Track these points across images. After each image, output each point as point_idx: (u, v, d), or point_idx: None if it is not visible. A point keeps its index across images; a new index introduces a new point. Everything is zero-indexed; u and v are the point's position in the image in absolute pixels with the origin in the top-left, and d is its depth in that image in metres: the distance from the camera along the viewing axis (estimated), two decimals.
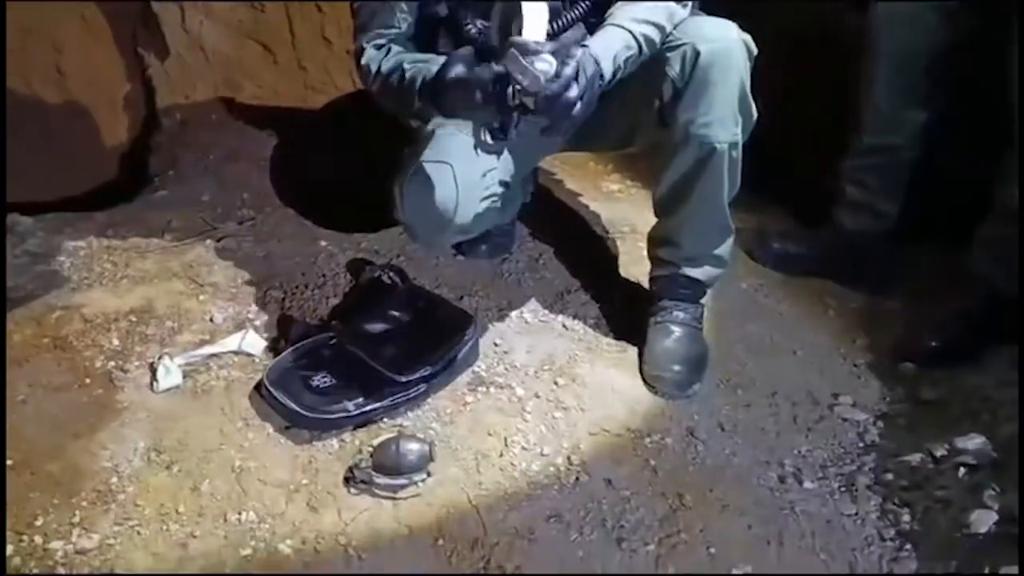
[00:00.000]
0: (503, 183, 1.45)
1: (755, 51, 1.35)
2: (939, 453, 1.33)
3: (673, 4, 1.33)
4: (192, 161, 2.07)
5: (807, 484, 1.31)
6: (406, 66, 1.34)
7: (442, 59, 1.28)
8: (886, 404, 1.50)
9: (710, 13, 1.41)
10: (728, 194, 1.44)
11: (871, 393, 1.52)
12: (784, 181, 1.96)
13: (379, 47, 1.39)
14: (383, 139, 1.61)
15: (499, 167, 1.42)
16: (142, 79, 2.28)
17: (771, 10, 1.83)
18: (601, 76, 1.23)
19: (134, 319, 1.54)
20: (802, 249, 1.82)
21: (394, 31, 1.40)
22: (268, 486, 1.25)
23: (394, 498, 1.23)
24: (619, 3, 1.33)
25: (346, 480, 1.25)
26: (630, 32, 1.28)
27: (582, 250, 1.85)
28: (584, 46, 1.23)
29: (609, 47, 1.26)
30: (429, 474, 1.25)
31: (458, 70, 1.22)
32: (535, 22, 1.18)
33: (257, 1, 2.20)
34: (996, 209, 1.54)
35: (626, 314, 1.63)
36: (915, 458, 1.34)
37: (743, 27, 1.36)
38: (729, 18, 1.38)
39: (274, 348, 1.49)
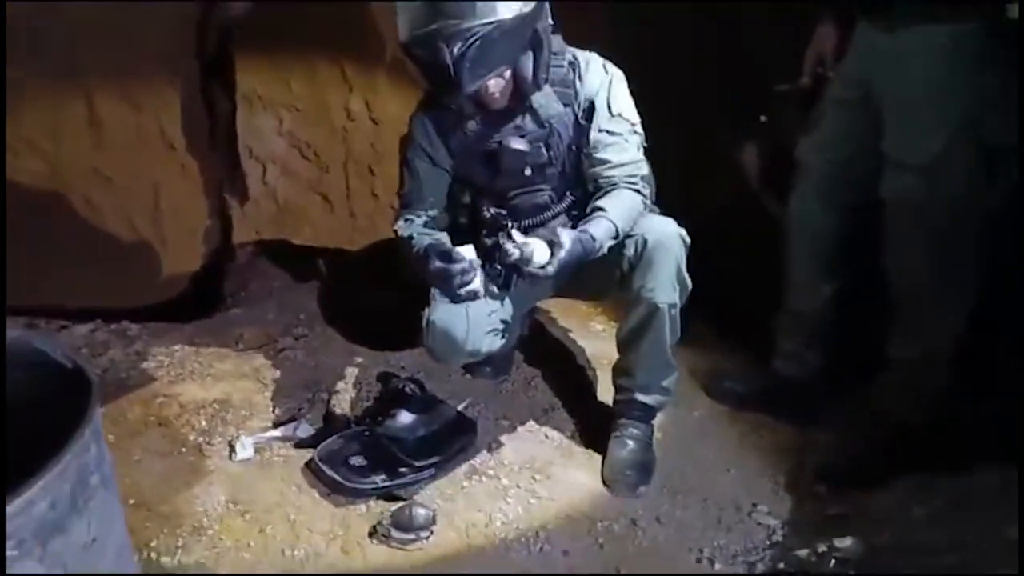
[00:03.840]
0: (504, 320, 2.13)
1: (688, 241, 2.01)
2: (820, 549, 1.89)
3: (642, 202, 2.01)
4: (259, 287, 2.81)
5: (717, 566, 1.87)
6: (415, 236, 2.05)
7: (439, 235, 2.05)
8: (795, 513, 2.06)
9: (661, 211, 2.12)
10: (670, 340, 2.06)
11: (784, 505, 2.08)
12: (738, 329, 2.62)
13: (406, 219, 2.10)
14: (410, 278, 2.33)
15: (501, 308, 2.11)
16: (221, 218, 3.04)
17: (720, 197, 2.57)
18: (592, 252, 1.91)
19: (217, 407, 2.20)
20: (747, 388, 2.44)
21: (424, 210, 2.11)
22: (314, 533, 1.85)
23: (405, 549, 1.82)
24: (605, 196, 2.00)
25: (370, 534, 1.85)
26: (615, 225, 1.95)
27: (567, 376, 2.49)
28: (583, 231, 1.90)
29: (599, 233, 1.92)
30: (432, 533, 1.85)
31: (435, 264, 1.86)
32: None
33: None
34: (889, 360, 2.15)
35: (596, 429, 2.24)
36: (803, 552, 1.90)
37: (696, 214, 2.06)
38: (686, 206, 2.08)
39: (321, 436, 2.12)
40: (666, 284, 1.99)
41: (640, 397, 2.13)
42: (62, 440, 1.20)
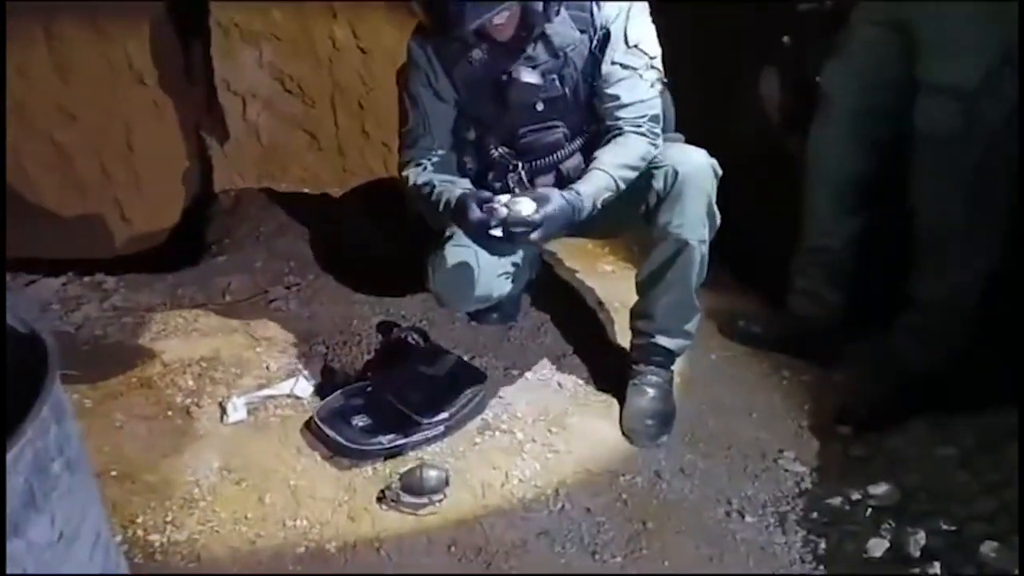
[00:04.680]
0: (514, 263, 1.89)
1: (720, 172, 1.78)
2: (854, 497, 1.72)
3: (648, 147, 1.75)
4: (245, 233, 2.52)
5: (748, 519, 1.68)
6: (435, 184, 1.78)
7: (463, 182, 1.77)
8: (822, 459, 1.89)
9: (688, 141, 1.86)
10: (696, 281, 1.85)
11: (811, 451, 1.90)
12: (753, 271, 2.40)
13: (417, 163, 1.83)
14: (408, 220, 2.06)
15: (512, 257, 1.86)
16: (201, 159, 2.74)
17: (737, 134, 2.31)
18: (581, 211, 1.66)
19: (204, 365, 1.96)
20: (763, 329, 2.23)
21: (434, 150, 1.83)
22: (317, 500, 1.63)
23: (416, 514, 1.61)
24: (607, 144, 1.75)
25: (379, 499, 1.64)
26: (612, 177, 1.70)
27: (578, 321, 2.26)
28: (572, 190, 1.66)
29: (590, 190, 1.68)
30: (445, 496, 1.64)
31: (476, 215, 1.62)
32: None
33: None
34: (913, 301, 1.95)
35: (611, 376, 2.03)
36: (835, 501, 1.72)
37: (712, 153, 1.81)
38: (702, 145, 1.83)
39: (320, 392, 1.89)
40: (696, 219, 1.77)
41: (661, 341, 1.92)
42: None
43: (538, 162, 1.83)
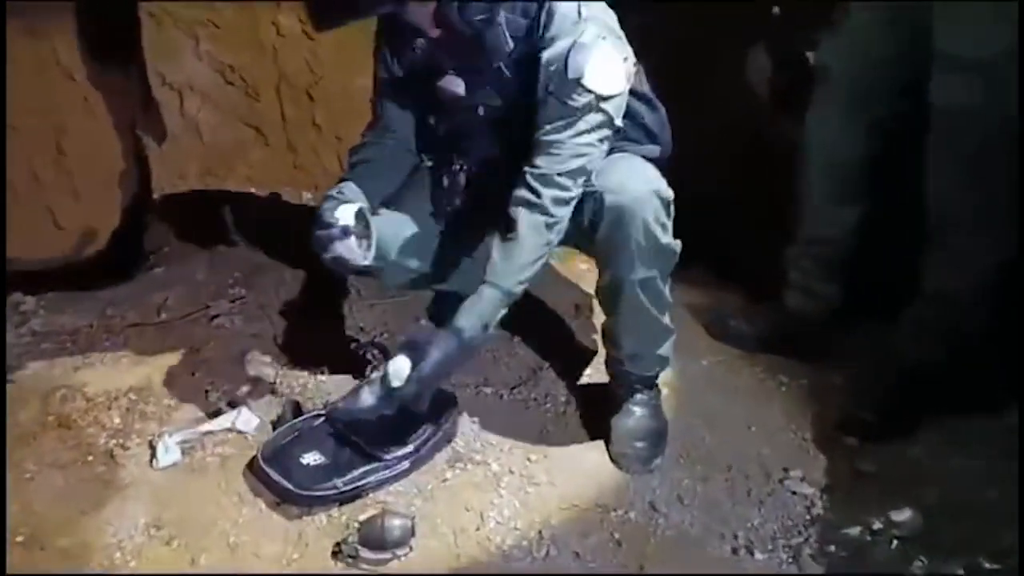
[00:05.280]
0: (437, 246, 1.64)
1: (668, 197, 1.46)
2: (875, 526, 1.48)
3: (542, 234, 1.41)
4: (186, 241, 2.21)
5: (758, 555, 1.44)
6: (346, 175, 1.56)
7: (372, 182, 1.55)
8: (830, 477, 1.64)
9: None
10: (657, 310, 1.55)
11: (817, 466, 1.66)
12: (741, 265, 2.14)
13: (359, 146, 1.59)
14: None
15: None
16: (137, 160, 2.42)
17: (717, 111, 2.05)
18: (470, 345, 1.43)
19: (134, 397, 1.66)
20: (755, 328, 1.98)
21: (383, 131, 1.59)
22: (262, 560, 1.36)
23: (379, 572, 1.35)
24: (497, 244, 1.44)
25: (334, 554, 1.37)
26: (501, 290, 1.43)
27: (554, 328, 1.99)
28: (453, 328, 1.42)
29: (474, 321, 1.42)
30: (411, 548, 1.37)
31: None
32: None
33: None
34: (921, 294, 1.72)
35: (595, 389, 1.77)
36: (854, 531, 1.48)
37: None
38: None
39: (267, 425, 1.61)
40: (631, 257, 1.47)
41: (633, 369, 1.64)
42: None
43: (481, 167, 1.56)
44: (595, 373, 1.83)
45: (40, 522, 1.38)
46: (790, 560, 1.44)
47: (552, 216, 1.42)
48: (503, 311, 1.45)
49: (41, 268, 2.15)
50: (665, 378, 1.73)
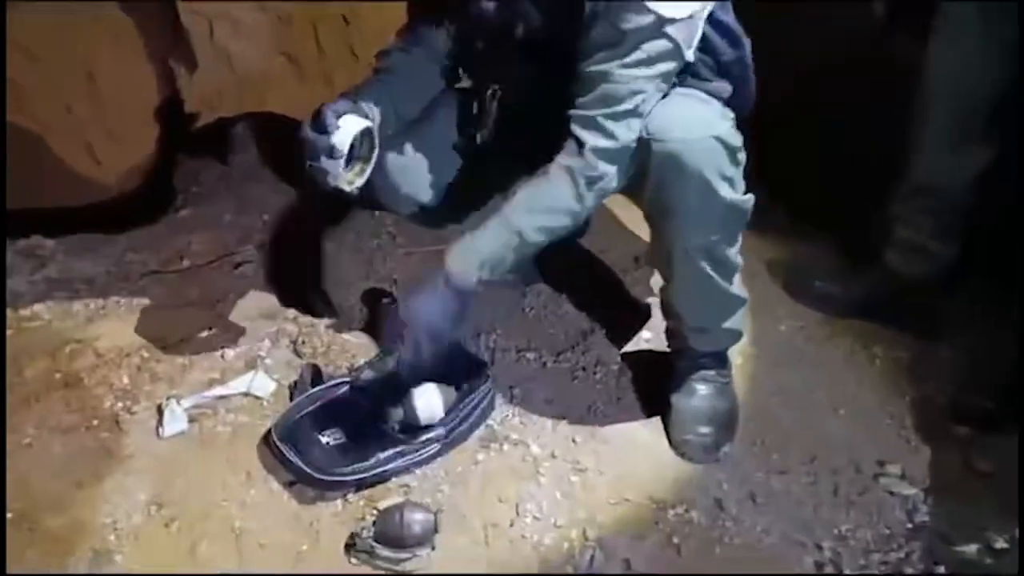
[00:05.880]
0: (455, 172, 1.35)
1: (736, 144, 1.13)
2: (998, 545, 1.18)
3: (570, 189, 1.10)
4: (215, 179, 1.98)
5: (847, 573, 1.17)
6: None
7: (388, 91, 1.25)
8: (937, 476, 1.34)
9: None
10: (722, 279, 1.25)
11: (921, 462, 1.35)
12: (829, 215, 1.79)
13: (382, 53, 1.30)
14: None
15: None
16: (168, 92, 2.20)
17: (813, 28, 1.66)
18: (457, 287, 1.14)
19: (146, 354, 1.47)
20: (846, 290, 1.65)
21: (411, 44, 1.29)
22: (267, 551, 1.16)
23: (396, 571, 1.14)
24: (526, 180, 1.14)
25: (347, 548, 1.16)
26: (516, 231, 1.11)
27: (608, 283, 1.71)
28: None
29: (474, 253, 1.13)
30: (433, 547, 1.15)
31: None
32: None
33: None
34: None
35: (654, 360, 1.50)
36: (971, 549, 1.19)
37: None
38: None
39: (284, 392, 1.40)
40: (688, 222, 1.16)
41: (696, 344, 1.36)
42: None
43: (516, 96, 1.25)
44: (655, 337, 1.55)
45: (32, 497, 1.21)
46: None
47: (592, 169, 1.10)
48: (511, 257, 1.14)
49: (68, 207, 2.00)
50: (735, 346, 1.44)
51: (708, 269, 1.21)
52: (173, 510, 1.21)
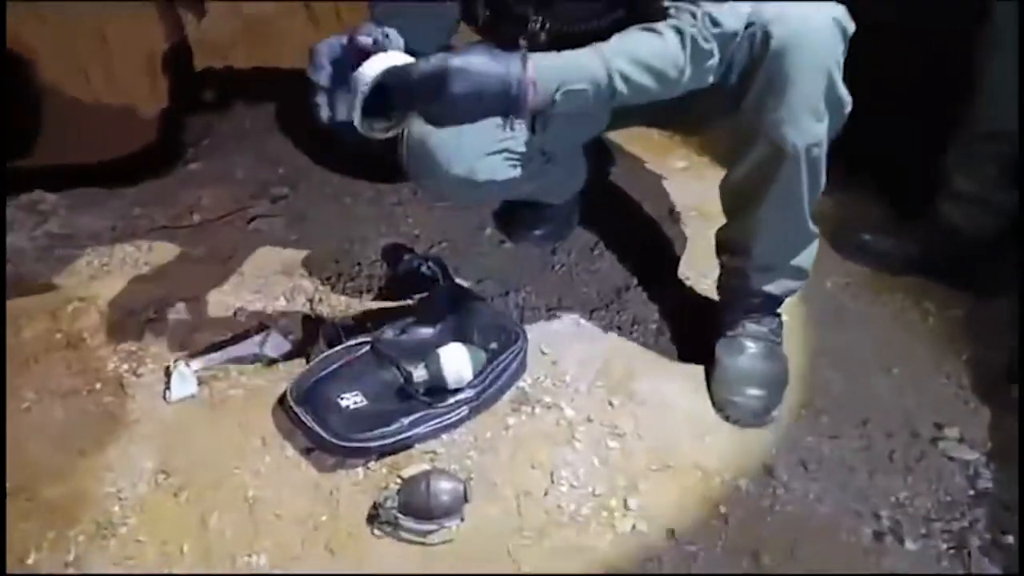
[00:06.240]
0: (531, 145, 1.20)
1: (851, 28, 1.04)
2: None
3: (676, 50, 0.98)
4: (228, 132, 1.85)
5: (908, 544, 1.05)
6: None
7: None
8: (998, 439, 1.21)
9: None
10: (808, 198, 1.15)
11: (980, 424, 1.23)
12: (877, 163, 1.64)
13: None
14: None
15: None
16: (178, 41, 2.06)
17: None
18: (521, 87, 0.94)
19: (153, 314, 1.35)
20: (897, 244, 1.51)
21: None
22: (284, 521, 1.06)
23: (423, 543, 1.03)
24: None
25: (369, 518, 1.05)
26: (604, 61, 0.96)
27: (643, 238, 1.58)
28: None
29: (560, 59, 0.96)
30: (463, 518, 1.04)
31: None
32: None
33: None
34: None
35: (694, 317, 1.37)
36: None
37: None
38: None
39: (300, 352, 1.29)
40: (802, 113, 1.05)
41: (759, 284, 1.23)
42: None
43: (564, 26, 1.10)
44: (691, 294, 1.43)
45: (29, 466, 1.10)
46: (951, 550, 1.05)
47: (705, 40, 0.98)
48: (589, 96, 0.97)
49: (75, 163, 1.87)
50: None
51: (804, 181, 1.10)
52: (181, 479, 1.10)
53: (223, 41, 2.01)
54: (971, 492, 1.13)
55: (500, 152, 1.19)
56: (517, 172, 1.22)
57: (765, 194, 1.14)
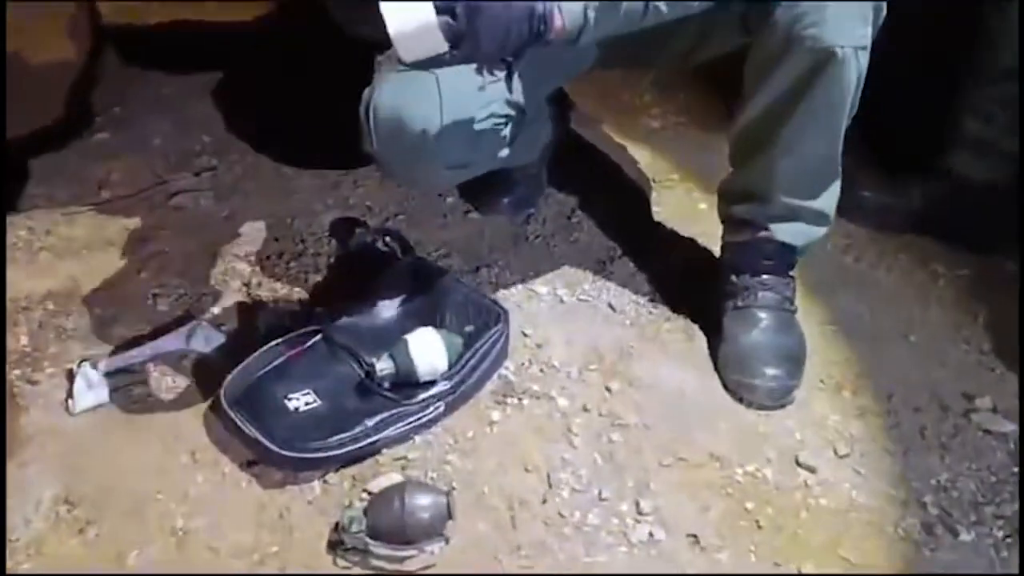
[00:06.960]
0: (512, 104, 1.00)
1: None
2: None
3: None
4: (143, 96, 1.57)
5: (963, 536, 0.90)
6: None
7: None
8: None
9: None
10: (846, 122, 1.00)
11: (1012, 392, 1.09)
12: (877, 113, 1.49)
13: None
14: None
15: (502, 85, 0.95)
16: None
17: None
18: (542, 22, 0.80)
19: (52, 307, 1.10)
20: (902, 199, 1.36)
21: None
22: (222, 556, 0.83)
23: (399, 573, 0.83)
24: None
25: (331, 545, 0.84)
26: None
27: (622, 204, 1.39)
28: None
29: None
30: (447, 539, 0.84)
31: None
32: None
33: None
34: None
35: (689, 286, 1.20)
36: None
37: None
38: None
39: (236, 347, 1.06)
40: (848, 10, 0.91)
41: (776, 233, 1.07)
42: None
43: None
44: (682, 261, 1.25)
45: None
46: (1008, 539, 0.91)
47: None
48: (619, 15, 0.84)
49: None
50: None
51: (849, 86, 0.95)
52: (90, 510, 0.86)
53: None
54: (1015, 469, 0.99)
55: (489, 119, 0.98)
56: (509, 146, 1.04)
57: (797, 116, 0.99)
